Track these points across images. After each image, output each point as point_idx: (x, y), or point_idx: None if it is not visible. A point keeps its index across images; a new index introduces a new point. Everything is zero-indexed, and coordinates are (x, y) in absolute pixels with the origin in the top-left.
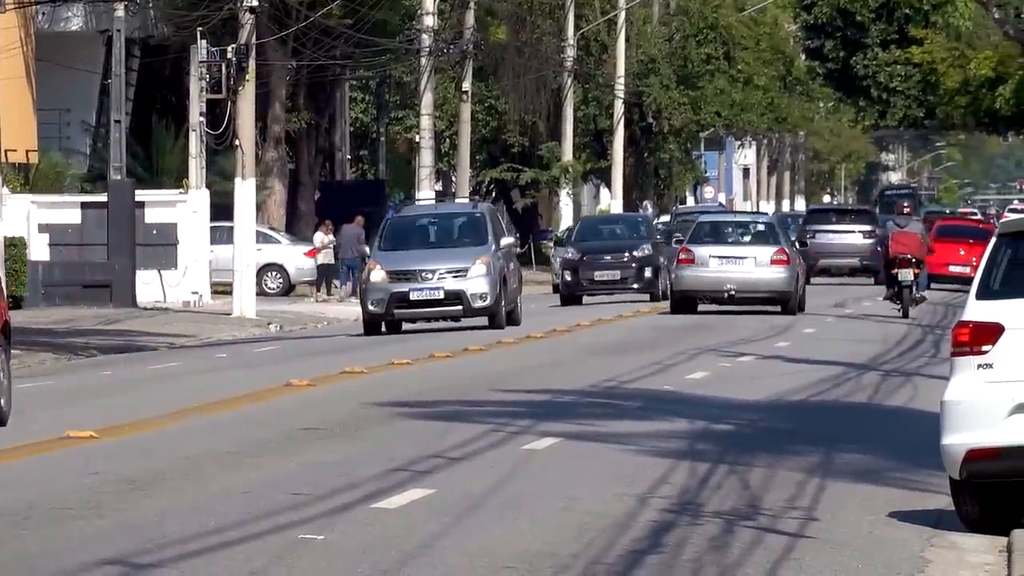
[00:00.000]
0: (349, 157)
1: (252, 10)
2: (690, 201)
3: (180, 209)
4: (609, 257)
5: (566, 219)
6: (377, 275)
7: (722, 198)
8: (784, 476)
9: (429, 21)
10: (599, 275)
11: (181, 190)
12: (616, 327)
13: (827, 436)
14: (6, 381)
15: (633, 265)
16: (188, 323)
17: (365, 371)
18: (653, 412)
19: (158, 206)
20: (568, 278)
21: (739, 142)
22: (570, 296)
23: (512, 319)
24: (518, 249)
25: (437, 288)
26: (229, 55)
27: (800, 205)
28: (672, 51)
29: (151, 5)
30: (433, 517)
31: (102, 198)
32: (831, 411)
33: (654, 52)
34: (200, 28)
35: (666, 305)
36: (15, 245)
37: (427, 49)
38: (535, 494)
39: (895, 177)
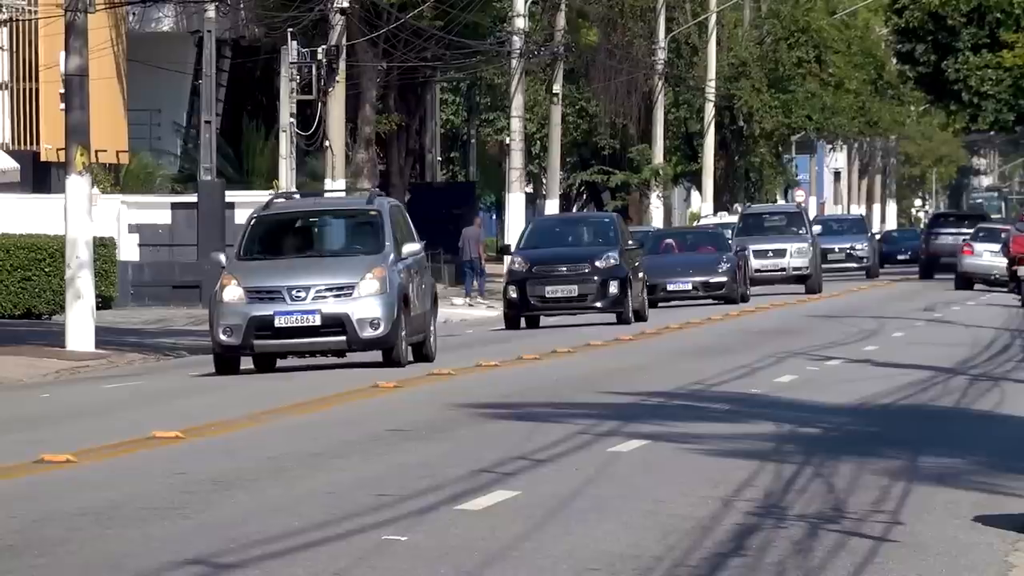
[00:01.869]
0: (439, 159)
1: (343, 11)
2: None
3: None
4: (565, 268)
5: (656, 222)
6: (232, 293)
7: (813, 202)
8: (869, 480)
9: (520, 23)
10: (552, 291)
11: (271, 191)
12: (703, 330)
13: (913, 440)
14: None
15: (595, 278)
16: None
17: (452, 373)
18: (739, 415)
19: (248, 207)
20: (513, 295)
21: (830, 146)
22: (515, 318)
23: (421, 353)
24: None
25: (312, 311)
26: (320, 56)
27: (891, 209)
28: (763, 54)
29: (242, 6)
30: (517, 519)
31: (192, 198)
32: (918, 415)
33: (745, 55)
34: (291, 29)
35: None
36: (105, 245)
37: (518, 51)
38: (620, 496)
39: (986, 181)
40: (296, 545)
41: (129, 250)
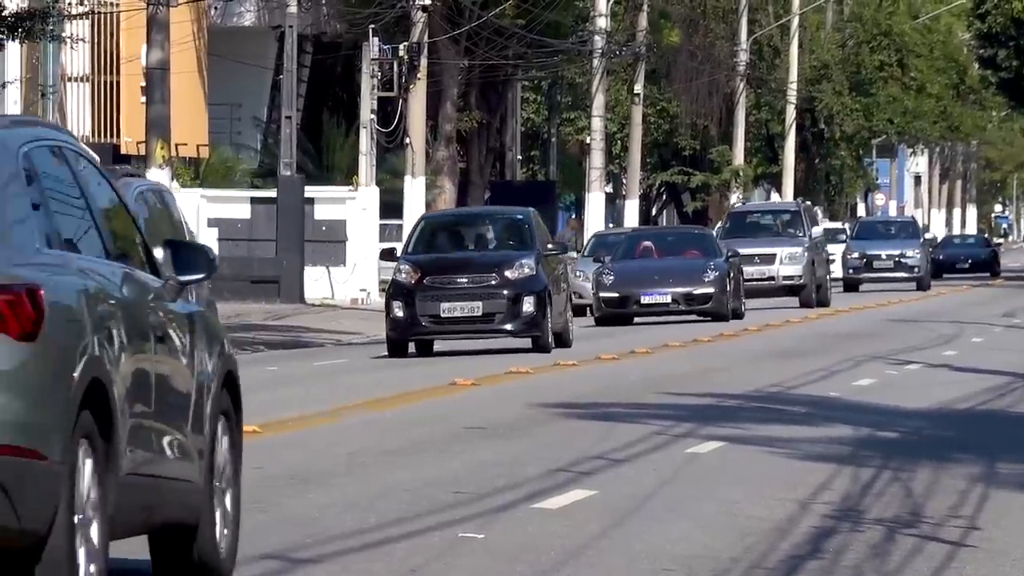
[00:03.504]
0: (520, 157)
1: (425, 8)
2: (860, 209)
3: (349, 206)
4: (466, 280)
5: None
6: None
7: (893, 206)
8: (947, 484)
9: (602, 23)
10: (448, 309)
11: (351, 187)
12: (783, 333)
13: (992, 445)
14: None
15: (504, 293)
16: (355, 320)
17: (530, 371)
18: (818, 418)
19: (328, 203)
20: (398, 313)
21: (911, 150)
22: (400, 343)
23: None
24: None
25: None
26: (401, 53)
27: (971, 214)
28: (845, 57)
29: (324, 1)
30: (594, 518)
31: (272, 193)
32: (997, 421)
33: (827, 58)
34: (372, 25)
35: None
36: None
37: (600, 51)
38: (697, 497)
39: None
40: (372, 541)
41: (208, 244)
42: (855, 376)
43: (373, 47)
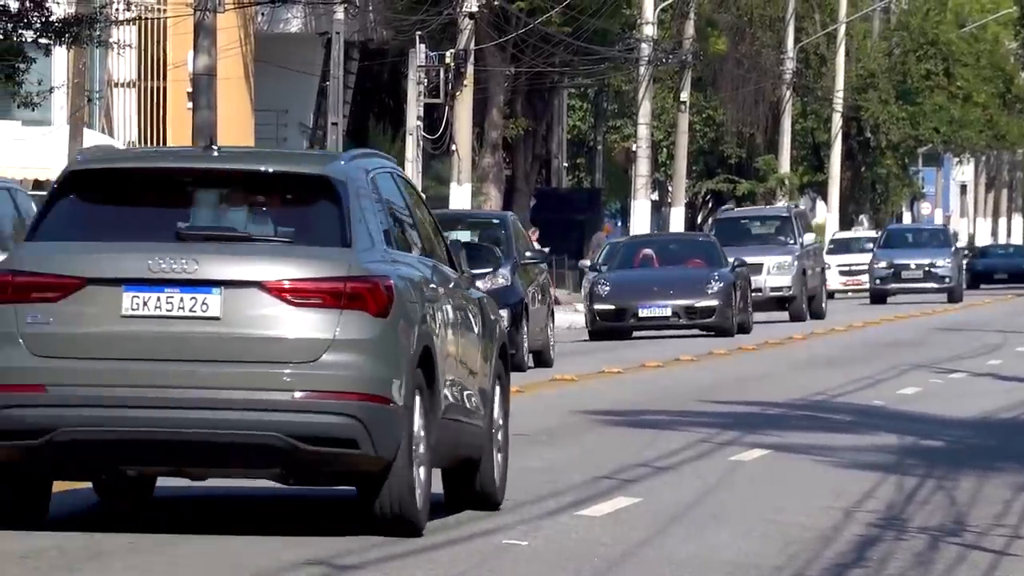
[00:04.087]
0: (566, 165)
1: (472, 16)
2: (907, 218)
3: None
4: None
5: None
6: None
7: (939, 214)
8: (991, 493)
9: (649, 31)
10: None
11: None
12: (828, 341)
13: None
14: None
15: None
16: None
17: (575, 378)
18: (862, 426)
19: None
20: None
21: (957, 159)
22: None
23: (541, 359)
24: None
25: None
26: (448, 60)
27: (1017, 223)
28: (891, 66)
29: (371, 8)
30: (638, 526)
31: None
32: None
33: (873, 66)
34: (419, 32)
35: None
36: None
37: (646, 58)
38: (741, 505)
39: None
40: (416, 548)
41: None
42: (899, 384)
43: (420, 54)
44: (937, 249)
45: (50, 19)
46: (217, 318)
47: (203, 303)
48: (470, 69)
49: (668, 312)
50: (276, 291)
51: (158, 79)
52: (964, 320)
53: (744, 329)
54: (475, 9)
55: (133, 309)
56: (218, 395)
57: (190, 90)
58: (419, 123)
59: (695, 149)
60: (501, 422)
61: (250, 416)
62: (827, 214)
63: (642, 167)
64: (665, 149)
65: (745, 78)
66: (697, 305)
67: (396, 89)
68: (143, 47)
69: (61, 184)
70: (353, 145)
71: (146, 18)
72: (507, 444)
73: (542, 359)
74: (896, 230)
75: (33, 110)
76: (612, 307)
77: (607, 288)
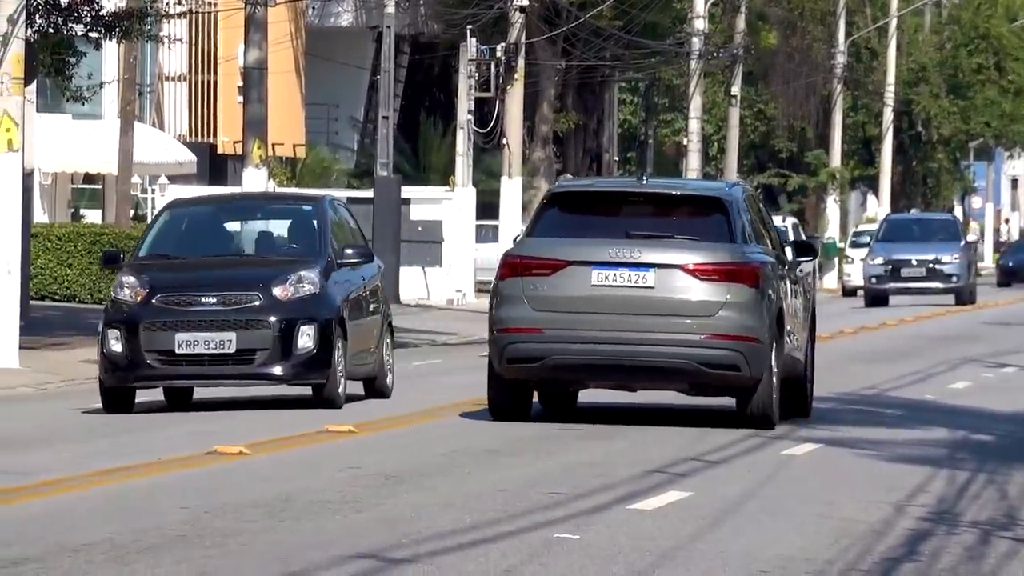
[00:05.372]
0: (616, 159)
1: (522, 9)
2: (957, 211)
3: (446, 207)
4: (215, 299)
5: (832, 226)
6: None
7: (989, 208)
8: None
9: (700, 24)
10: (187, 342)
11: (447, 188)
12: (878, 335)
13: None
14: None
15: (271, 319)
16: (451, 321)
17: None
18: (913, 420)
19: (424, 203)
20: (115, 347)
21: (1008, 153)
22: (118, 392)
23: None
24: None
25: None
26: (498, 54)
27: None
28: (943, 60)
29: (422, 2)
30: (689, 519)
31: (368, 194)
32: None
33: (924, 60)
34: (470, 26)
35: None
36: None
37: (697, 52)
38: (792, 499)
39: None
40: (467, 541)
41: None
42: (951, 379)
43: (471, 48)
44: (943, 243)
45: (100, 13)
46: (652, 287)
47: (643, 278)
48: (521, 63)
49: None
50: (688, 270)
51: (209, 73)
52: (1015, 314)
53: None
54: (526, 3)
55: (599, 281)
56: (652, 336)
57: (241, 84)
58: (470, 117)
59: (746, 143)
60: (810, 358)
61: (672, 350)
62: (878, 208)
63: (693, 161)
64: (716, 143)
65: (796, 72)
66: None
67: (447, 83)
68: (194, 41)
69: (547, 200)
70: (405, 139)
71: (197, 12)
72: (813, 373)
73: (375, 388)
74: (897, 221)
75: (83, 104)
76: None
77: None
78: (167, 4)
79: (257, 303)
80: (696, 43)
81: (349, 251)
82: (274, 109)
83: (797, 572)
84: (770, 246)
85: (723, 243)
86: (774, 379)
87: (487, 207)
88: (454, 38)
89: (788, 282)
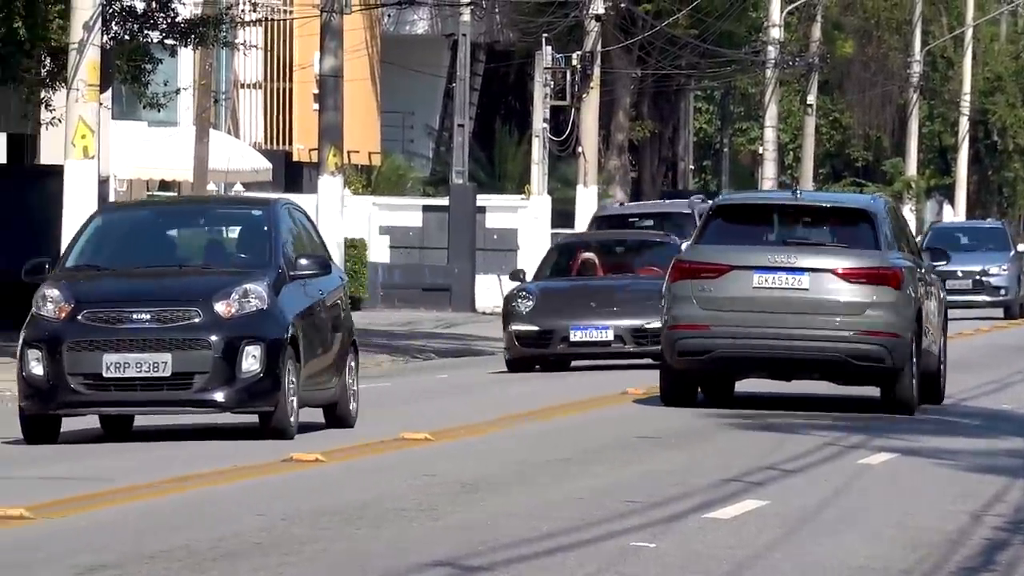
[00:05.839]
0: (692, 167)
1: (598, 18)
2: None
3: (521, 215)
4: (147, 316)
5: None
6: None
7: None
8: None
9: (776, 33)
10: (116, 364)
11: (522, 196)
12: (953, 345)
13: None
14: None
15: (211, 339)
16: None
17: None
18: (990, 430)
19: (499, 211)
20: (35, 371)
21: None
22: (38, 422)
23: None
24: None
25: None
26: (574, 62)
27: None
28: (1019, 69)
29: (497, 10)
30: (765, 528)
31: (443, 202)
32: None
33: (1000, 70)
34: (545, 35)
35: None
36: (356, 246)
37: (773, 61)
38: (868, 508)
39: None
40: (544, 549)
41: (379, 252)
42: None
43: (546, 56)
44: (991, 253)
45: (176, 20)
46: (806, 289)
47: (798, 281)
48: (596, 71)
49: (609, 335)
50: (839, 274)
51: (284, 80)
52: None
53: None
54: (601, 11)
55: (759, 284)
56: (806, 332)
57: (316, 91)
58: (545, 125)
59: (821, 152)
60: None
61: (825, 345)
62: (953, 218)
63: (768, 170)
64: (791, 152)
65: (872, 81)
66: (648, 326)
67: (522, 91)
68: (269, 48)
69: (713, 211)
70: (480, 147)
71: (272, 19)
72: (946, 366)
73: (336, 416)
74: (942, 229)
75: (159, 111)
76: (535, 328)
77: (529, 304)
78: (242, 11)
79: (196, 320)
80: (772, 52)
81: (304, 261)
82: (350, 117)
83: None
84: (908, 252)
85: (869, 250)
86: (914, 370)
87: (562, 215)
88: (530, 46)
89: (924, 284)
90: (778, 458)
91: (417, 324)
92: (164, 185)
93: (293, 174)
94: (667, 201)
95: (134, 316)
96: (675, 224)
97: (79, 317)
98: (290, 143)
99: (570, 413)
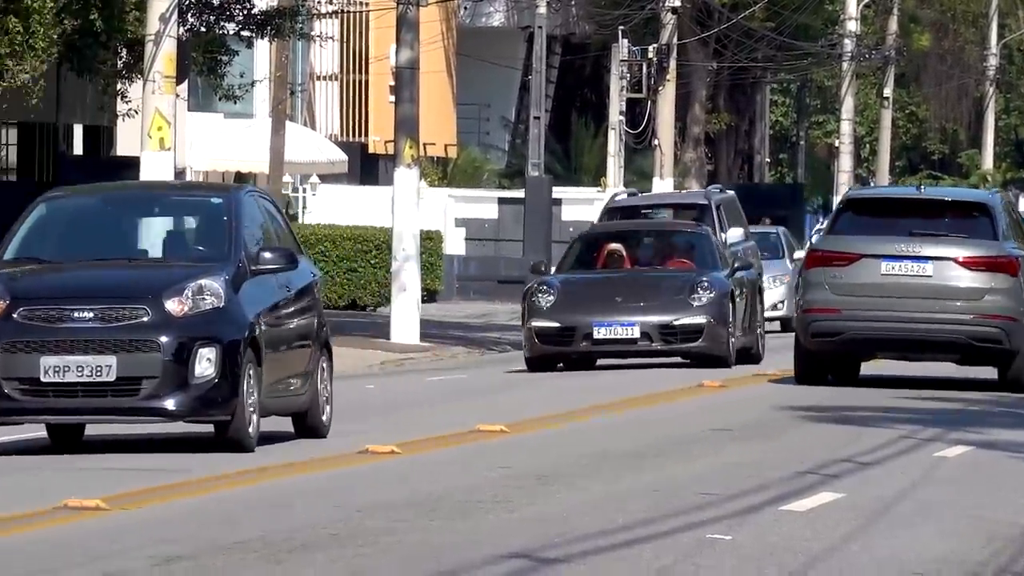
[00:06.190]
0: (768, 160)
1: (674, 10)
2: None
3: (597, 207)
4: (91, 314)
5: None
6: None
7: None
8: None
9: (852, 26)
10: (56, 367)
11: (598, 188)
12: None
13: None
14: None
15: (161, 340)
16: None
17: (776, 374)
18: None
19: (575, 203)
20: None
21: None
22: None
23: (749, 354)
24: None
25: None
26: (650, 55)
27: None
28: None
29: (573, 3)
30: (841, 521)
31: (519, 194)
32: None
33: None
34: (621, 27)
35: None
36: (431, 238)
37: (849, 54)
38: (945, 501)
39: None
40: (619, 542)
41: (455, 244)
42: None
43: (622, 48)
44: None
45: (252, 12)
46: (930, 276)
47: (923, 268)
48: (672, 64)
49: (636, 332)
50: (960, 262)
51: (360, 72)
52: None
53: (752, 357)
54: (678, 4)
55: (887, 271)
56: (930, 316)
57: (392, 83)
58: (621, 117)
59: (898, 145)
60: None
61: (947, 327)
62: None
63: (845, 163)
64: (868, 145)
65: (948, 74)
66: (676, 322)
67: (598, 84)
68: (345, 40)
69: (843, 204)
70: (556, 140)
71: (348, 11)
72: None
73: (307, 425)
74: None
75: (235, 103)
76: (556, 325)
77: (551, 298)
78: (318, 3)
79: (144, 319)
80: (848, 45)
81: (268, 255)
82: (425, 109)
83: (950, 574)
84: (1021, 242)
85: (988, 240)
86: None
87: None
88: (605, 39)
89: None
90: (854, 450)
91: (492, 316)
92: (240, 177)
93: (369, 166)
94: (683, 191)
95: (76, 314)
96: (691, 216)
97: (15, 315)
98: (366, 135)
99: (643, 405)
